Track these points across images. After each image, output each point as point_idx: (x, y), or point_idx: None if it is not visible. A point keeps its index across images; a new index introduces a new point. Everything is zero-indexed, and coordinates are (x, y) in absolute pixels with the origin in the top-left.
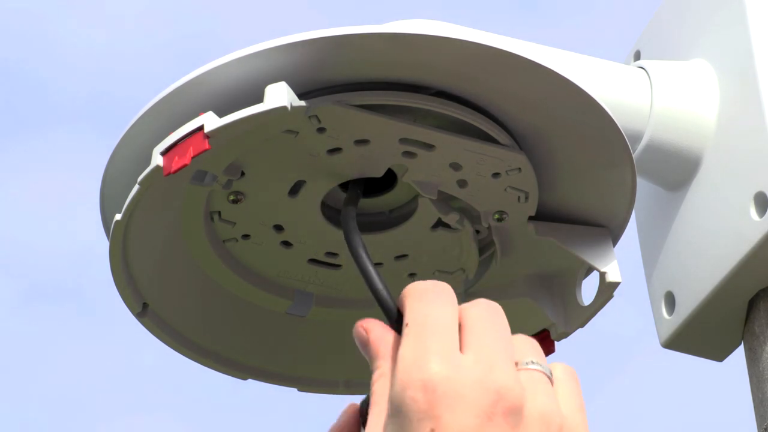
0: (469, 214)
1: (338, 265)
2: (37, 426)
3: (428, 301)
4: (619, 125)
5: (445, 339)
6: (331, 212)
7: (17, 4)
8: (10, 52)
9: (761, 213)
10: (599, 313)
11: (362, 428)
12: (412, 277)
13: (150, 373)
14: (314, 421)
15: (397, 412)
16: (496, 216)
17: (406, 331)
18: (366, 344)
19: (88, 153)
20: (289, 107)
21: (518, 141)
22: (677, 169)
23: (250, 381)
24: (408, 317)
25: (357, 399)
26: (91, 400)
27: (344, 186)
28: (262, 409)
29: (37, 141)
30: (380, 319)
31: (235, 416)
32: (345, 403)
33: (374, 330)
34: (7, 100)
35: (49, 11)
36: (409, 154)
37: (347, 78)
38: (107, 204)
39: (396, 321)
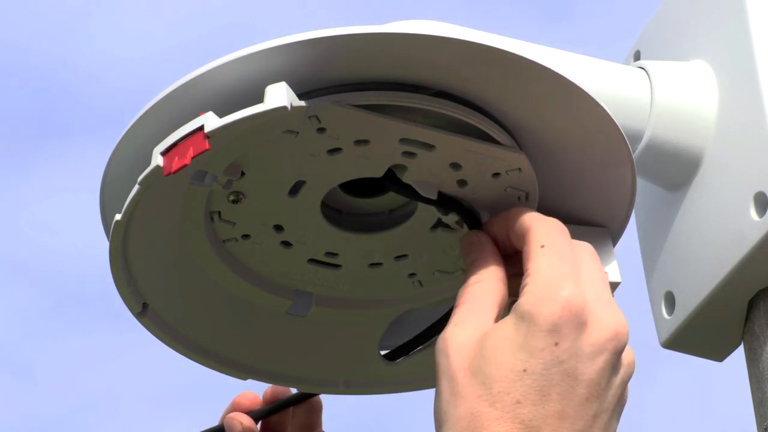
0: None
1: (338, 265)
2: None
3: (559, 230)
4: (619, 125)
5: (573, 266)
6: (331, 212)
7: (54, 15)
8: (48, 61)
9: (761, 213)
10: None
11: None
12: (412, 277)
13: (169, 378)
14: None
15: (528, 318)
16: None
17: (543, 251)
18: (475, 249)
19: None
20: (289, 107)
21: (518, 141)
22: (677, 169)
23: (250, 381)
24: (544, 240)
25: (357, 398)
26: (117, 405)
27: (344, 186)
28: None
29: (68, 150)
30: (384, 319)
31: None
32: (345, 402)
33: (486, 246)
34: (43, 108)
35: (86, 25)
36: (409, 154)
37: (347, 78)
38: (107, 204)
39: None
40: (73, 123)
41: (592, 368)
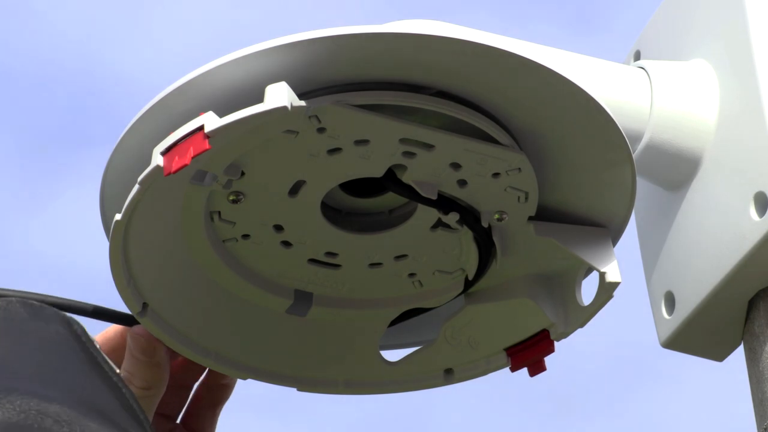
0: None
1: (338, 265)
2: None
3: None
4: (619, 125)
5: None
6: (331, 212)
7: (87, 27)
8: (77, 74)
9: (761, 213)
10: (598, 314)
11: None
12: (412, 277)
13: None
14: (314, 421)
15: None
16: (496, 216)
17: None
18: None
19: None
20: (289, 107)
21: (518, 141)
22: (677, 169)
23: (250, 381)
24: None
25: (357, 399)
26: None
27: (344, 186)
28: (262, 409)
29: (101, 159)
30: (384, 319)
31: (234, 416)
32: (345, 402)
33: None
34: (75, 119)
35: (118, 38)
36: (409, 154)
37: (347, 78)
38: (107, 204)
39: None
40: (104, 133)
41: None
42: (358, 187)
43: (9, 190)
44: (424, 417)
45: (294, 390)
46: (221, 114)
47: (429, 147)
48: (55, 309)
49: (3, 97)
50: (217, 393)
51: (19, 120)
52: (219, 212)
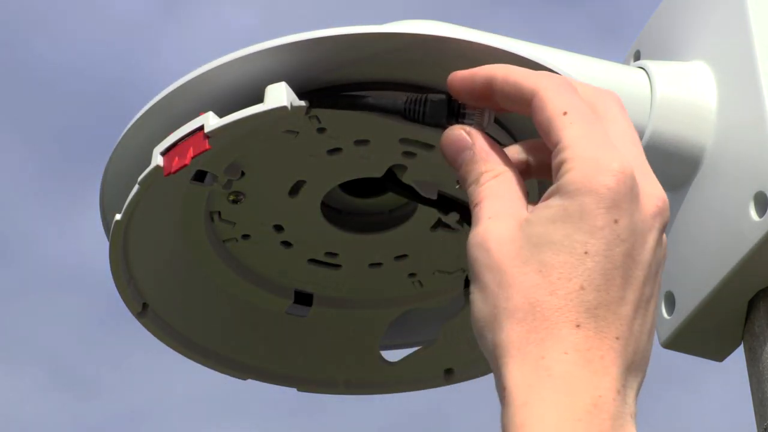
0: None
1: (338, 265)
2: None
3: (569, 89)
4: None
5: (604, 129)
6: (331, 212)
7: (118, 38)
8: (115, 75)
9: (761, 213)
10: None
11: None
12: (412, 277)
13: (219, 386)
14: (314, 422)
15: (584, 195)
16: None
17: (569, 119)
18: (466, 144)
19: None
20: (289, 107)
21: (518, 141)
22: (677, 169)
23: (250, 381)
24: (562, 104)
25: (357, 399)
26: (169, 414)
27: (344, 186)
28: (262, 409)
29: None
30: (384, 319)
31: (235, 416)
32: (345, 402)
33: (478, 137)
34: (104, 126)
35: (147, 48)
36: (409, 154)
37: (347, 78)
38: (107, 204)
39: (452, 114)
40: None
41: (645, 247)
42: (358, 187)
43: (45, 197)
44: (435, 419)
45: (294, 390)
46: (221, 114)
47: (429, 147)
48: None
49: (40, 106)
50: None
51: (54, 128)
52: (219, 212)
